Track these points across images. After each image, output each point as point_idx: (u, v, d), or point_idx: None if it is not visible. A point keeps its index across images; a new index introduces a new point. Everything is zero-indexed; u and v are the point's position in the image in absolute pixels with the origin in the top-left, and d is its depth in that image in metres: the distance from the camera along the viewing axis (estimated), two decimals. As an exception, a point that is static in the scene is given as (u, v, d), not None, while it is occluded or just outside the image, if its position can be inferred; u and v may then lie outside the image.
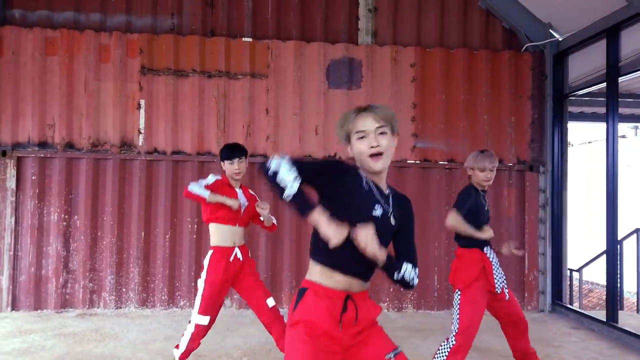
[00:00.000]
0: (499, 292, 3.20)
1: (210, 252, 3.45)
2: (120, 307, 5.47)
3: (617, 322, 4.83)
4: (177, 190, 5.51)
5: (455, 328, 3.16)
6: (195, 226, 5.55)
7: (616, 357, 4.29)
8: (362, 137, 1.86)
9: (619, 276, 5.29)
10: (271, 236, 5.55)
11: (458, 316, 3.17)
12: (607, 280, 5.05)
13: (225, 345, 4.31)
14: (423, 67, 5.87)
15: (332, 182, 1.86)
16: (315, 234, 1.88)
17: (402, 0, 6.01)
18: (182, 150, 5.59)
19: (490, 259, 3.23)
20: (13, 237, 5.34)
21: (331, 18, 5.94)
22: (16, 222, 5.37)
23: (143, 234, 5.50)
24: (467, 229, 3.16)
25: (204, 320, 3.35)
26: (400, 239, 1.98)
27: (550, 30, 5.92)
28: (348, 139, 1.92)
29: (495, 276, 3.20)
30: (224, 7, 5.80)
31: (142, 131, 5.52)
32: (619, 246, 6.49)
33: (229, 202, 3.41)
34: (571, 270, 7.35)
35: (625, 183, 6.54)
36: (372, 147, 1.84)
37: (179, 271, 5.56)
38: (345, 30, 5.93)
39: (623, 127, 12.37)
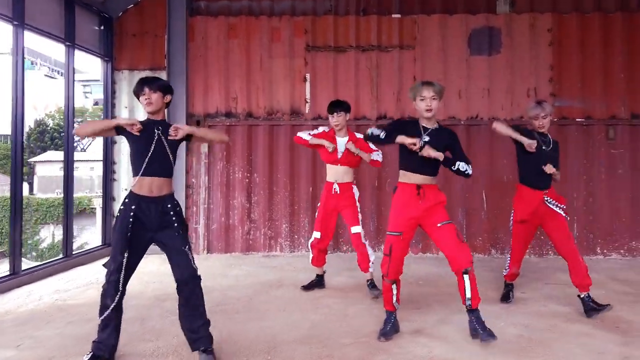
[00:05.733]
0: None
1: None
2: (294, 251, 6.43)
3: None
4: (339, 151, 6.35)
5: None
6: (355, 181, 6.37)
7: None
8: (422, 99, 3.25)
9: None
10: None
11: None
12: None
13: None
14: (560, 31, 6.30)
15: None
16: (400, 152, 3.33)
17: (537, -30, 6.45)
18: (342, 116, 6.40)
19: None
20: (207, 192, 6.45)
21: (471, -9, 6.51)
22: (209, 180, 6.46)
23: (311, 188, 6.41)
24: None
25: (316, 234, 4.51)
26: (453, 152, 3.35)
27: (688, -11, 6.14)
28: (414, 99, 3.32)
29: None
30: (374, -12, 6.54)
31: (309, 100, 6.41)
32: None
33: (325, 143, 4.26)
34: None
35: None
36: (427, 106, 3.26)
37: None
38: (484, 1, 6.46)
39: None
